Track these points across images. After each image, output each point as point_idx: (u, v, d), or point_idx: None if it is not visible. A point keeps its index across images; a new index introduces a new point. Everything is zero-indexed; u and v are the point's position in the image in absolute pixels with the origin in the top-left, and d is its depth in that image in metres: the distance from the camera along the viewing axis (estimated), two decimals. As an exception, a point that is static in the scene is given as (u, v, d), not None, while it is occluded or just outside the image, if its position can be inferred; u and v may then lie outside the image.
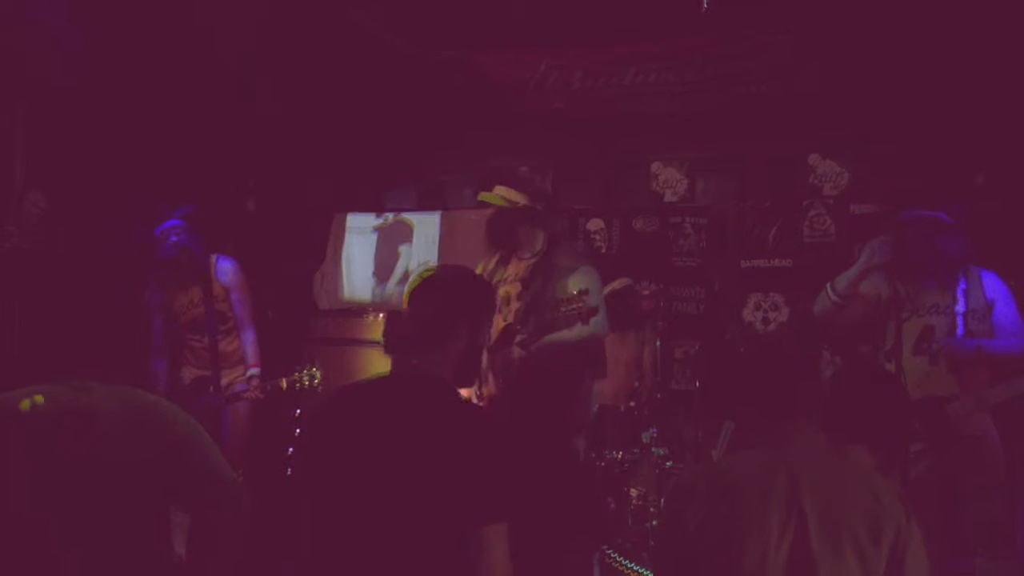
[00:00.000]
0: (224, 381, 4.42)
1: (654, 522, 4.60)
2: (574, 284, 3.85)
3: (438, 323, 2.20)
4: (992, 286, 3.78)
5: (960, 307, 3.72)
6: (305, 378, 4.25)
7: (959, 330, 3.68)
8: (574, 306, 3.61)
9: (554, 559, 2.70)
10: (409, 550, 1.96)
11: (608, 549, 4.17)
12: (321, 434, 2.18)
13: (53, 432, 2.17)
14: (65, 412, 2.20)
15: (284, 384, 4.30)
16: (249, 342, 4.49)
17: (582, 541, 2.95)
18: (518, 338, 3.86)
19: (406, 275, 6.77)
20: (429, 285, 2.27)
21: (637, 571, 4.16)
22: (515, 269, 4.10)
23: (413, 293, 2.26)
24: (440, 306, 2.22)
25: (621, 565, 4.15)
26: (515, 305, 4.02)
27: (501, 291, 4.15)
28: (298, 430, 1.95)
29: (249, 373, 4.40)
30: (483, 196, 4.13)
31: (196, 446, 2.31)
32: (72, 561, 2.13)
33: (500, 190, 4.08)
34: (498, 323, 4.10)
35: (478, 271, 4.23)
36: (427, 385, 2.13)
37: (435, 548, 1.95)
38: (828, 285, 4.04)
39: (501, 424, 2.28)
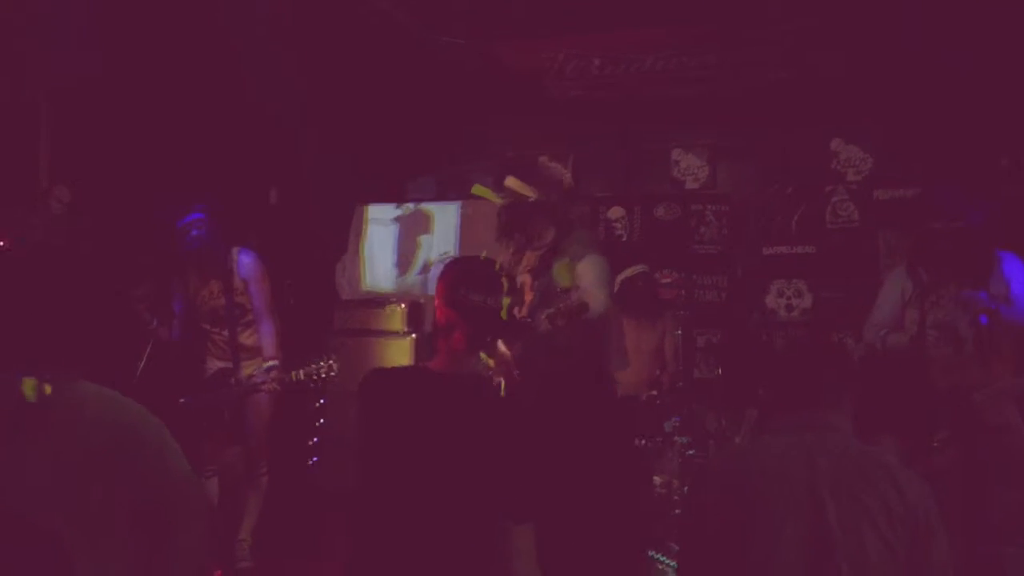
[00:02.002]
0: (244, 373, 4.45)
1: (677, 510, 4.61)
2: (563, 275, 3.82)
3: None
4: (1009, 267, 3.74)
5: (982, 294, 3.67)
6: (322, 370, 4.27)
7: (982, 317, 3.63)
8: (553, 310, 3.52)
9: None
10: (447, 536, 2.06)
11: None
12: (381, 417, 2.21)
13: (32, 425, 2.14)
14: (50, 405, 2.16)
15: (301, 375, 4.33)
16: (267, 334, 4.50)
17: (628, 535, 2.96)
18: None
19: (427, 265, 6.79)
20: (496, 283, 2.30)
21: (660, 560, 4.16)
22: (528, 260, 4.11)
23: (483, 284, 2.26)
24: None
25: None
26: (527, 296, 4.03)
27: (518, 281, 4.16)
28: (362, 407, 1.97)
29: (266, 365, 4.41)
30: (477, 189, 4.12)
31: (158, 448, 2.25)
32: (33, 562, 2.09)
33: (511, 182, 4.09)
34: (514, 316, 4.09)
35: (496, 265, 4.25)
36: (479, 385, 2.26)
37: (469, 536, 2.07)
38: (879, 337, 3.88)
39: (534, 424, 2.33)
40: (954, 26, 5.10)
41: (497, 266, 2.36)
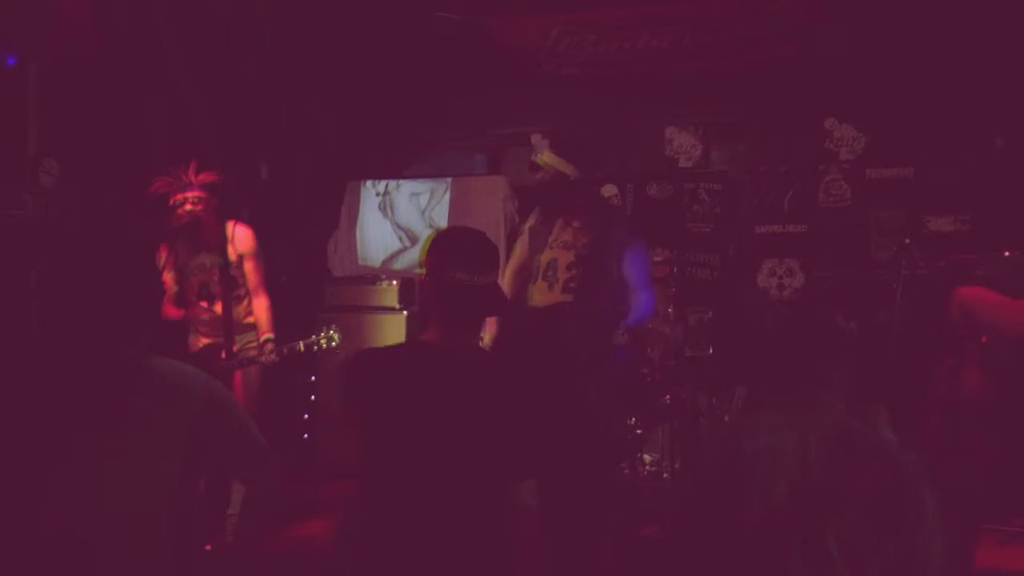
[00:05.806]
0: (235, 347, 4.44)
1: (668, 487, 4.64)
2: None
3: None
4: None
5: None
6: (323, 340, 4.26)
7: None
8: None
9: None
10: (455, 498, 2.10)
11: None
12: (380, 394, 2.22)
13: (119, 401, 2.19)
14: (134, 381, 2.21)
15: (302, 347, 4.32)
16: (263, 309, 4.50)
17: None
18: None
19: (419, 240, 6.78)
20: (489, 259, 2.28)
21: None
22: (565, 236, 4.04)
23: (471, 262, 2.24)
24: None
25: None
26: (568, 275, 3.98)
27: (545, 255, 4.07)
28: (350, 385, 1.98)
29: (264, 338, 4.41)
30: (549, 156, 4.03)
31: (223, 411, 2.34)
32: (107, 532, 2.15)
33: (549, 157, 4.00)
34: (544, 291, 4.03)
35: (527, 225, 4.21)
36: (474, 354, 2.28)
37: (476, 497, 2.12)
38: None
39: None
40: (949, 4, 5.09)
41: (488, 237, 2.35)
